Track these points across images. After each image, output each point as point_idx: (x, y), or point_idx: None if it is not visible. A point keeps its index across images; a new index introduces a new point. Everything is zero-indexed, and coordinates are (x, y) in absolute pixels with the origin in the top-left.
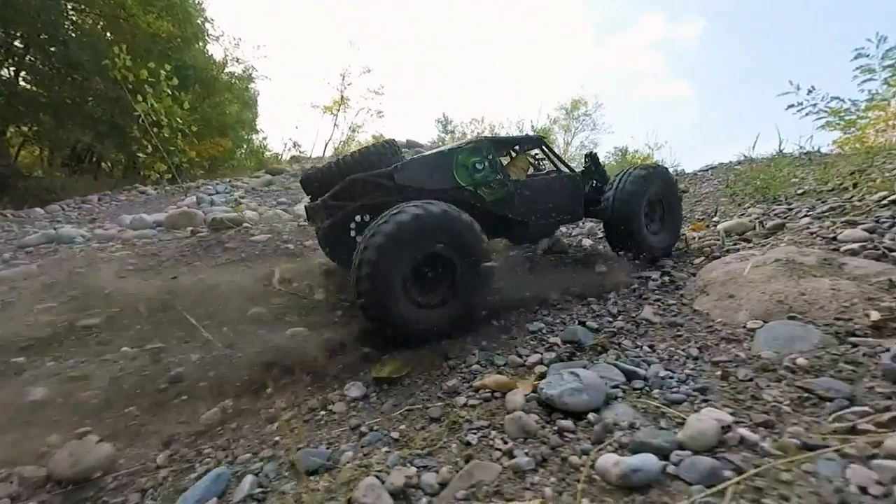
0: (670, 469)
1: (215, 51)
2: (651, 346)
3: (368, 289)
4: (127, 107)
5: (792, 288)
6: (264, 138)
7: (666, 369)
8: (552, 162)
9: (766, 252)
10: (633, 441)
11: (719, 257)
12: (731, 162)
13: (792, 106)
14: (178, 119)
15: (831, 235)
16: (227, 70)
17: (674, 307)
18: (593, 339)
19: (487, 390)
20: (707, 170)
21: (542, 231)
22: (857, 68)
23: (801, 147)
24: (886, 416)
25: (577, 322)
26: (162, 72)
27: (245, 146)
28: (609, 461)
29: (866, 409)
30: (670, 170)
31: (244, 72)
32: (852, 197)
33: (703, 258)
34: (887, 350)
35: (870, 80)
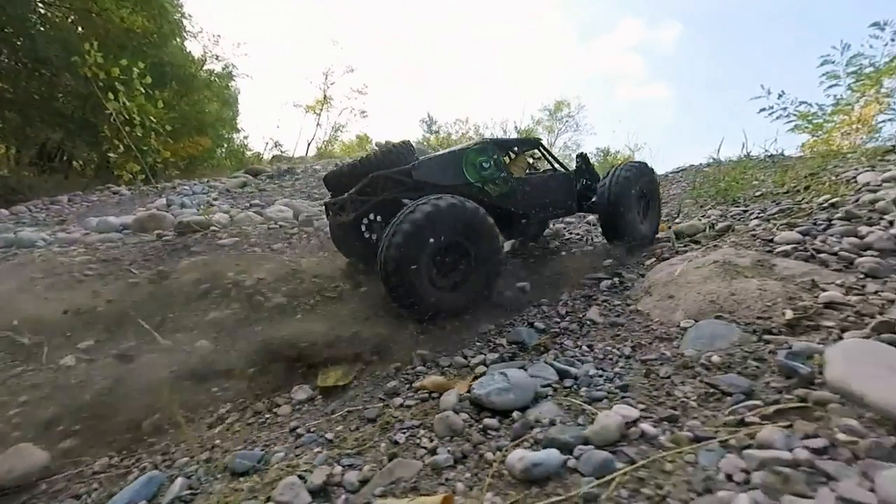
0: (571, 463)
1: (194, 48)
2: (590, 346)
3: (394, 270)
4: (99, 104)
5: (724, 288)
6: (245, 137)
7: (597, 368)
8: (549, 161)
9: (708, 254)
10: (546, 437)
11: (668, 259)
12: (700, 164)
13: (763, 109)
14: (152, 118)
15: (769, 237)
16: (206, 67)
17: (618, 307)
18: (537, 340)
19: (425, 391)
20: (678, 171)
21: (540, 224)
22: (823, 74)
23: (765, 150)
24: (772, 409)
25: (526, 323)
26: (135, 69)
27: (226, 145)
28: (516, 456)
29: (758, 402)
30: None
31: (224, 69)
32: (801, 200)
33: (654, 259)
34: (789, 347)
35: (835, 85)
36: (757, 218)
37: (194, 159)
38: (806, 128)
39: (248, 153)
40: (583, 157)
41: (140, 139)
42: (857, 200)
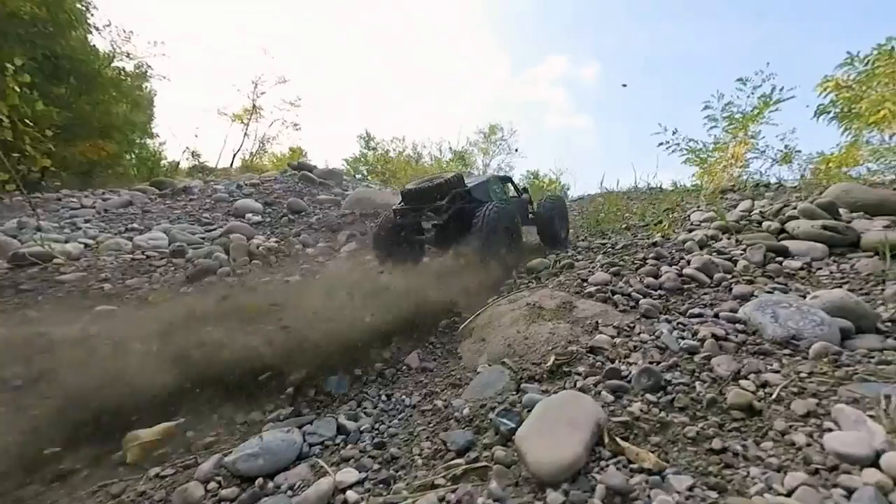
0: None
1: (101, 42)
2: (389, 395)
3: (486, 241)
4: None
5: (523, 332)
6: (161, 144)
7: (376, 421)
8: (515, 190)
9: (534, 293)
10: None
11: (506, 296)
12: (595, 193)
13: (661, 144)
14: (27, 120)
15: (586, 277)
16: (114, 65)
17: (440, 350)
18: (346, 388)
19: (191, 457)
20: (578, 199)
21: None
22: (705, 117)
23: (647, 183)
24: (461, 469)
25: (341, 371)
26: (9, 65)
27: (137, 152)
28: None
29: (460, 462)
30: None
31: (137, 69)
32: (645, 236)
33: (495, 297)
34: (515, 401)
35: (714, 126)
36: (604, 253)
37: (95, 165)
38: (694, 161)
39: (164, 162)
40: (524, 189)
41: (9, 144)
42: (675, 239)
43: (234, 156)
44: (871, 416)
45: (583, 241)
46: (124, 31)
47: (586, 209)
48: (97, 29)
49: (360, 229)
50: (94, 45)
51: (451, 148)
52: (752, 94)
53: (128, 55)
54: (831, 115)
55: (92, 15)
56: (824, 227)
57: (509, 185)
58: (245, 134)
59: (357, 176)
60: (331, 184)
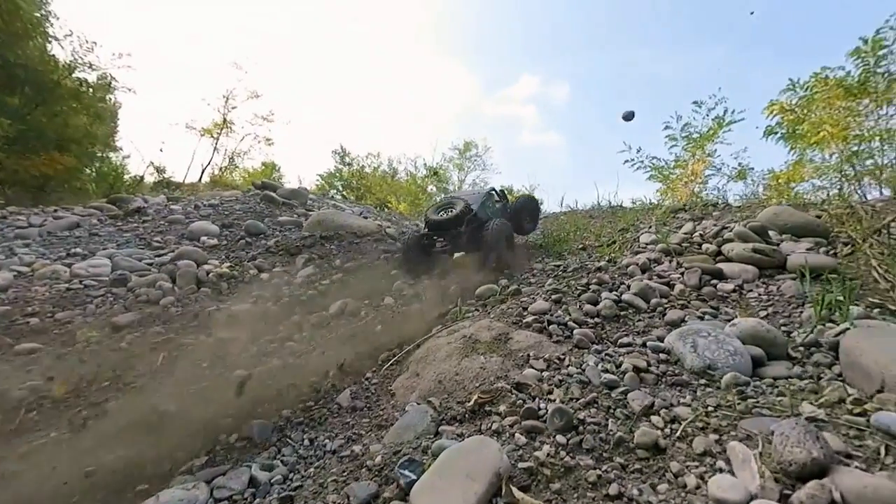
0: None
1: (61, 52)
2: (312, 440)
3: (494, 246)
4: None
5: (455, 367)
6: (125, 158)
7: (292, 470)
8: (498, 196)
9: (472, 325)
10: None
11: (449, 326)
12: (558, 211)
13: (627, 161)
14: None
15: (527, 306)
16: (75, 76)
17: (375, 386)
18: (269, 434)
19: None
20: (542, 218)
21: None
22: (666, 136)
23: (608, 201)
24: None
25: (271, 412)
26: None
27: (98, 166)
28: None
29: None
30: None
31: (100, 80)
32: (596, 258)
33: (440, 326)
34: (430, 447)
35: (675, 146)
36: (555, 277)
37: (50, 180)
38: (658, 177)
39: (127, 176)
40: (501, 193)
41: None
42: (621, 263)
43: (203, 171)
44: (758, 454)
45: (538, 262)
46: (87, 42)
47: (549, 228)
48: (56, 39)
49: (320, 252)
50: (53, 55)
51: (425, 164)
52: (707, 115)
53: (90, 66)
54: (778, 135)
55: (51, 24)
56: (755, 250)
57: (494, 195)
58: (215, 148)
59: (330, 193)
60: (295, 204)
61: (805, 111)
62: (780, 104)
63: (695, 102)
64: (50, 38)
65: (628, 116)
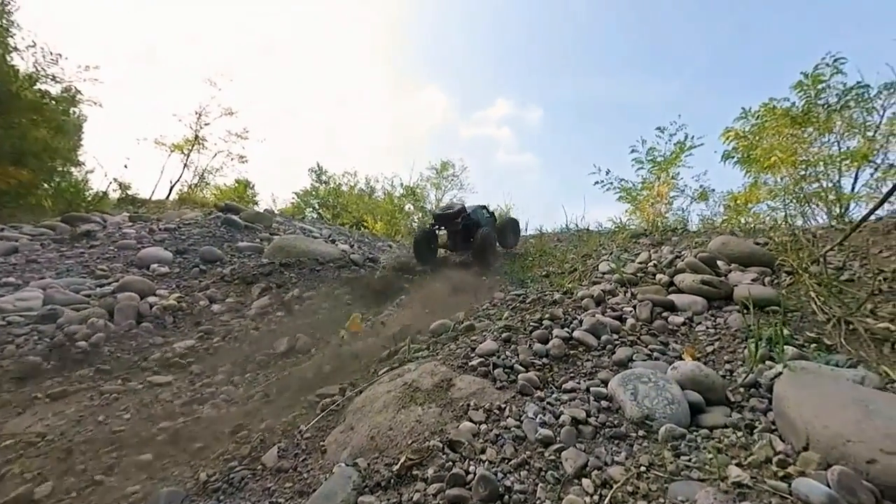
0: None
1: (23, 63)
2: None
3: (482, 248)
4: None
5: (389, 420)
6: (88, 173)
7: None
8: (487, 212)
9: (416, 369)
10: None
11: (393, 369)
12: (529, 234)
13: (597, 183)
14: None
15: (474, 346)
16: (37, 87)
17: (308, 440)
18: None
19: None
20: None
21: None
22: (633, 160)
23: (576, 224)
24: None
25: (179, 479)
26: None
27: (58, 181)
28: None
29: None
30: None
31: (64, 93)
32: (560, 286)
33: (386, 368)
34: None
35: (641, 168)
36: (513, 309)
37: (3, 195)
38: (626, 198)
39: (89, 192)
40: (491, 212)
41: None
42: (576, 295)
43: (172, 188)
44: None
45: (501, 291)
46: (51, 54)
47: (518, 251)
48: (16, 49)
49: (278, 280)
50: (13, 66)
51: (402, 183)
52: (670, 140)
53: (54, 78)
54: (735, 159)
55: (13, 35)
56: (703, 282)
57: (486, 209)
58: (185, 165)
59: (305, 212)
60: (258, 228)
61: (757, 138)
62: (734, 131)
63: (658, 128)
64: (10, 49)
65: None
